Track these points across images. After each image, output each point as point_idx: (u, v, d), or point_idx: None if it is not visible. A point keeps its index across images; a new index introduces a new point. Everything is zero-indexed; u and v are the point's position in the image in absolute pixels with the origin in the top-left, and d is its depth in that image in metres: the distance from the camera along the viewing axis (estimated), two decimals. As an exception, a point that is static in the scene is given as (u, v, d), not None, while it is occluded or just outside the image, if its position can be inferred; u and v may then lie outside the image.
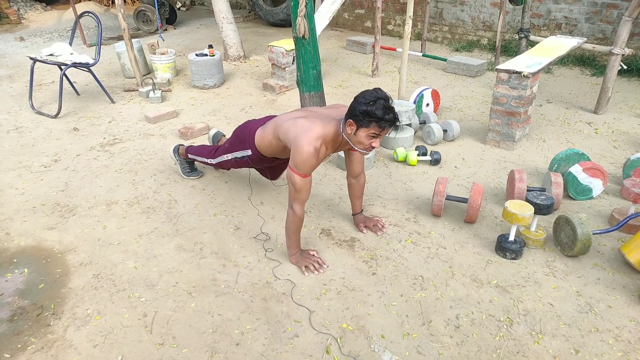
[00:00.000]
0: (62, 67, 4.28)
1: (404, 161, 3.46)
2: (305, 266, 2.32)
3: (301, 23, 3.38)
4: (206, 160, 2.92)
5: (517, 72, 3.38)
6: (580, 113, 4.24)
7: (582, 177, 2.85)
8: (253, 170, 3.19)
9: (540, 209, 2.41)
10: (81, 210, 2.87)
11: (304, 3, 3.32)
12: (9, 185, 3.15)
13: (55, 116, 4.24)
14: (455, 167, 3.39)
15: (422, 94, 4.10)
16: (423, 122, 3.98)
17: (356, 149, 2.17)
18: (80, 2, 9.79)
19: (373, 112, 2.00)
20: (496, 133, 3.63)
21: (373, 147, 2.12)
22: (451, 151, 3.62)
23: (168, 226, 2.73)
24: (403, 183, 3.18)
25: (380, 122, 2.02)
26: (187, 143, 3.78)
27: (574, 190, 2.88)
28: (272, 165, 2.76)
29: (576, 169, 2.85)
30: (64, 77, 4.28)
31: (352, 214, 2.72)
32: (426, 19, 6.08)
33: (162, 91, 4.80)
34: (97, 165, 3.43)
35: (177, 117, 4.31)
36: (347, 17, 7.91)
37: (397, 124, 2.09)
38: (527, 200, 2.45)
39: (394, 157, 3.49)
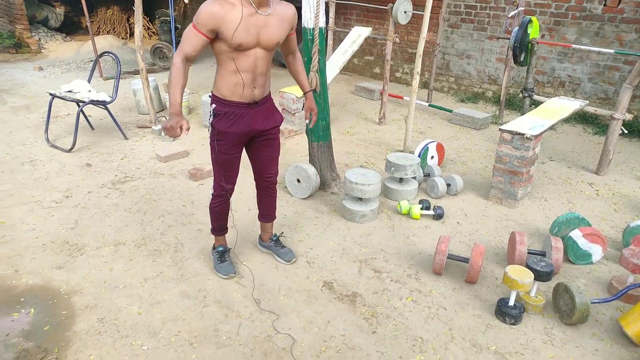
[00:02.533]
0: (80, 104, 4.42)
1: (407, 214, 3.53)
2: (166, 130, 2.18)
3: (313, 77, 3.50)
4: (211, 195, 2.70)
5: (520, 134, 3.49)
6: (582, 173, 4.32)
7: (582, 243, 2.90)
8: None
9: (540, 276, 2.46)
10: (89, 250, 2.93)
11: (317, 59, 3.46)
12: (21, 220, 3.22)
13: (69, 150, 4.35)
14: (458, 222, 3.45)
15: (427, 147, 4.20)
16: (427, 175, 4.07)
17: None
18: (99, 34, 10.14)
19: None
20: (499, 190, 3.71)
21: None
22: (454, 206, 3.69)
23: (173, 270, 2.78)
24: (406, 237, 3.23)
25: None
26: (196, 184, 3.87)
27: (574, 254, 2.93)
28: (238, 125, 2.44)
29: (576, 234, 2.91)
30: (80, 113, 4.42)
31: (304, 94, 2.74)
32: (433, 70, 6.27)
33: (174, 129, 4.92)
34: (108, 203, 3.51)
35: (187, 157, 4.42)
36: (356, 62, 8.14)
37: None
38: (527, 266, 2.50)
39: (397, 210, 3.56)
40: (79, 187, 3.74)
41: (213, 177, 2.62)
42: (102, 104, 4.51)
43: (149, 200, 3.59)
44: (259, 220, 2.95)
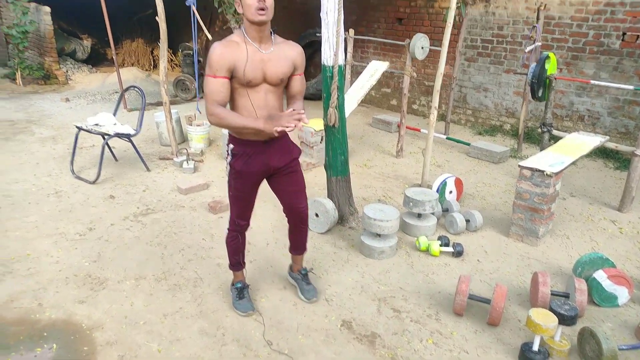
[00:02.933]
0: (105, 136, 4.55)
1: (426, 251, 3.50)
2: (279, 128, 2.17)
3: (332, 113, 3.57)
4: (226, 230, 2.74)
5: (540, 171, 3.47)
6: (604, 210, 4.26)
7: (607, 284, 2.84)
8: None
9: (564, 319, 2.40)
10: (111, 284, 2.97)
11: (336, 96, 3.53)
12: (45, 253, 3.29)
13: (94, 182, 4.46)
14: (478, 260, 3.41)
15: (446, 182, 4.20)
16: (446, 210, 4.06)
17: (252, 19, 2.20)
18: (124, 66, 10.48)
19: None
20: (519, 227, 3.67)
21: (261, 6, 2.18)
22: (474, 242, 3.66)
23: (193, 306, 2.79)
24: (425, 275, 3.21)
25: None
26: (215, 217, 3.91)
27: (599, 296, 2.86)
28: (255, 164, 2.47)
29: (600, 276, 2.85)
30: (105, 146, 4.54)
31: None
32: (450, 102, 6.31)
33: (195, 161, 5.02)
34: (130, 236, 3.57)
35: (207, 189, 4.48)
36: (373, 94, 8.24)
37: None
38: (551, 309, 2.45)
39: (416, 246, 3.54)
40: (102, 219, 3.81)
41: (230, 213, 2.67)
42: (127, 136, 4.63)
43: (169, 233, 3.64)
44: (290, 252, 2.97)
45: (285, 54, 2.38)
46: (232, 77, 2.28)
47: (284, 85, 2.45)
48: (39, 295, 2.83)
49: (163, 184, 4.56)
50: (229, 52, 2.23)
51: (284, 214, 2.80)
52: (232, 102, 2.40)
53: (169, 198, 4.26)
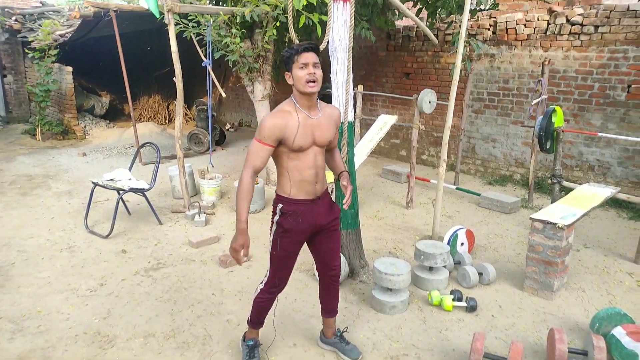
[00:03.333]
0: (120, 192, 4.65)
1: (439, 305, 3.44)
2: (231, 251, 2.36)
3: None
4: (258, 289, 2.69)
5: (552, 223, 3.45)
6: (620, 262, 4.17)
7: (627, 341, 2.74)
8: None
9: (584, 381, 2.32)
10: (120, 342, 2.95)
11: (346, 151, 3.61)
12: (56, 310, 3.29)
13: (107, 237, 4.52)
14: (493, 315, 3.34)
15: (457, 234, 4.18)
16: (458, 263, 4.01)
17: (304, 90, 2.35)
18: (140, 121, 10.83)
19: (287, 51, 2.37)
20: (533, 281, 3.61)
21: (312, 79, 2.33)
22: (487, 297, 3.59)
23: (201, 365, 2.74)
24: (438, 331, 3.14)
25: (297, 51, 2.33)
26: (226, 271, 3.91)
27: (619, 354, 2.76)
28: (304, 223, 2.52)
29: (619, 332, 2.77)
30: (119, 201, 4.64)
31: (338, 176, 2.71)
32: (459, 153, 6.38)
33: (207, 214, 5.08)
34: (140, 291, 3.57)
35: (218, 242, 4.50)
36: (383, 145, 8.36)
37: (313, 45, 2.37)
38: (569, 369, 2.37)
39: (428, 300, 3.48)
40: (114, 274, 3.83)
41: (269, 273, 2.65)
42: (141, 191, 4.73)
43: (179, 288, 3.63)
44: (322, 315, 2.92)
45: (330, 118, 2.54)
46: (280, 144, 2.40)
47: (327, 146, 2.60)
48: (47, 355, 2.81)
49: (175, 238, 4.60)
50: (281, 123, 2.35)
51: (318, 274, 2.84)
52: (280, 167, 2.50)
53: (180, 252, 4.28)
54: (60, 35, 8.44)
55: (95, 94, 10.96)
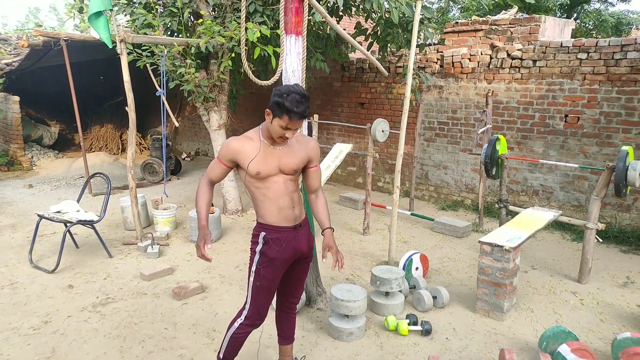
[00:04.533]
0: (67, 224, 4.47)
1: (395, 330, 3.47)
2: (197, 253, 2.41)
3: (297, 196, 3.67)
4: (237, 323, 2.57)
5: (499, 246, 3.59)
6: (565, 282, 4.37)
7: (572, 358, 2.86)
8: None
9: (533, 398, 2.39)
10: (64, 383, 2.79)
11: (300, 179, 3.64)
12: (-6, 351, 3.09)
13: (52, 271, 4.31)
14: (447, 338, 3.40)
15: (412, 258, 4.26)
16: (413, 287, 4.08)
17: (274, 138, 2.38)
18: (92, 151, 10.52)
19: (284, 104, 2.24)
20: (485, 303, 3.71)
21: (286, 138, 2.36)
22: (442, 320, 3.66)
23: (152, 403, 2.63)
24: (395, 356, 3.16)
25: (290, 114, 2.25)
26: (179, 304, 3.80)
27: (566, 371, 2.87)
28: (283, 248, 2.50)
29: (564, 350, 2.88)
30: (66, 234, 4.45)
31: (322, 231, 2.63)
32: (413, 180, 6.56)
33: (160, 245, 4.95)
34: (87, 328, 3.41)
35: (172, 274, 4.38)
36: (340, 172, 8.48)
37: (306, 116, 2.31)
38: (519, 387, 2.44)
39: (385, 326, 3.51)
40: (59, 310, 3.65)
41: (249, 307, 2.55)
42: (90, 223, 4.57)
43: (130, 323, 3.50)
44: (279, 343, 2.88)
45: (300, 148, 2.51)
46: (239, 168, 2.46)
47: (299, 174, 2.58)
48: (-18, 400, 2.63)
49: (125, 271, 4.44)
50: (237, 146, 2.42)
51: (275, 302, 2.80)
52: (254, 198, 2.48)
53: (131, 285, 4.14)
54: (7, 64, 8.18)
55: (44, 124, 10.57)
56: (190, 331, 3.41)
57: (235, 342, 2.60)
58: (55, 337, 3.29)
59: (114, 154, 10.77)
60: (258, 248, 2.48)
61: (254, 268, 2.50)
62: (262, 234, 2.47)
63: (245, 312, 2.56)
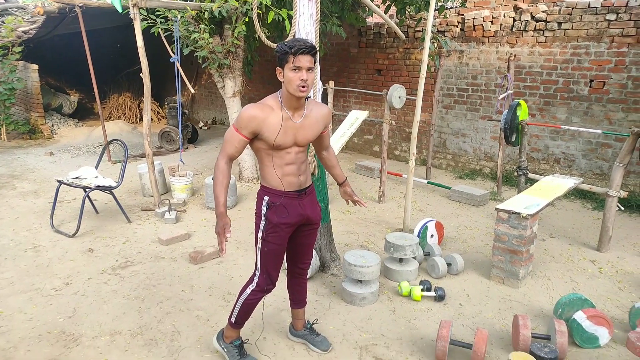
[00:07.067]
0: (86, 190, 4.55)
1: (408, 296, 3.48)
2: (217, 240, 2.37)
3: (311, 162, 3.64)
4: (249, 289, 2.59)
5: (516, 213, 3.53)
6: (584, 250, 4.30)
7: (587, 325, 2.83)
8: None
9: (545, 363, 2.38)
10: (85, 340, 2.89)
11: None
12: (19, 310, 3.20)
13: (73, 236, 4.41)
14: (460, 304, 3.40)
15: (426, 226, 4.24)
16: (427, 254, 4.07)
17: (294, 93, 2.28)
18: (110, 119, 10.62)
19: (283, 47, 2.25)
20: (500, 270, 3.68)
21: (304, 84, 2.25)
22: (455, 286, 3.65)
23: (169, 361, 2.71)
24: (407, 321, 3.17)
25: (293, 49, 2.22)
26: (196, 268, 3.87)
27: (580, 338, 2.85)
28: (292, 215, 2.49)
29: (580, 316, 2.85)
30: (86, 199, 4.54)
31: (338, 185, 2.89)
32: (430, 148, 6.46)
33: (177, 212, 5.02)
34: (107, 290, 3.50)
35: (189, 240, 4.45)
36: (356, 141, 8.41)
37: (309, 47, 2.24)
38: (531, 352, 2.44)
39: (398, 291, 3.52)
40: (80, 273, 3.75)
41: (259, 273, 2.56)
42: (108, 189, 4.64)
43: (148, 285, 3.58)
44: (292, 307, 2.91)
45: (317, 117, 2.47)
46: (257, 138, 2.35)
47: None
48: (9, 355, 2.74)
49: (144, 236, 4.53)
50: (260, 116, 2.30)
51: (287, 268, 2.81)
52: (261, 162, 2.46)
53: (149, 250, 4.22)
54: (24, 32, 8.20)
55: (64, 93, 10.69)
56: (207, 294, 3.47)
57: (247, 308, 2.62)
58: (76, 297, 3.39)
59: (132, 122, 10.85)
60: (263, 212, 2.47)
61: (260, 234, 2.49)
62: (266, 198, 2.45)
63: (256, 279, 2.58)
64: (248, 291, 2.59)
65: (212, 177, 2.38)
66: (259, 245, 2.51)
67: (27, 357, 2.72)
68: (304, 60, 2.23)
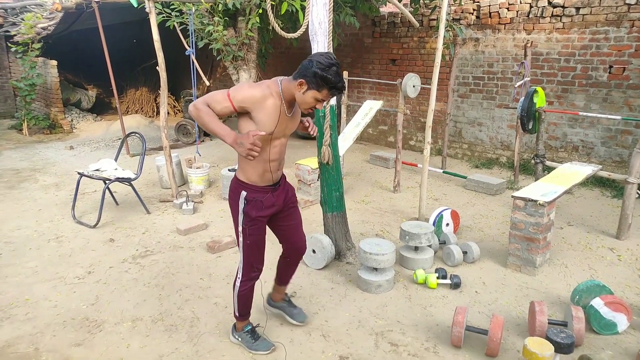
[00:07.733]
0: (106, 181, 4.64)
1: (424, 283, 3.49)
2: (247, 154, 2.18)
3: (326, 151, 3.66)
4: (238, 282, 2.64)
5: (532, 200, 3.51)
6: (602, 238, 4.25)
7: (605, 312, 2.82)
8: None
9: (561, 348, 2.38)
10: (108, 326, 2.97)
11: (329, 134, 3.63)
12: (44, 297, 3.30)
13: (94, 226, 4.52)
14: (476, 292, 3.40)
15: (442, 214, 4.23)
16: (443, 243, 4.07)
17: (302, 110, 2.30)
18: (127, 114, 10.76)
19: (327, 78, 2.16)
20: (517, 258, 3.67)
21: (314, 109, 2.27)
22: (471, 274, 3.65)
23: (188, 347, 2.78)
24: (423, 308, 3.19)
25: (332, 89, 2.19)
26: (214, 257, 3.94)
27: (598, 324, 2.83)
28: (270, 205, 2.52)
29: (597, 303, 2.83)
30: (106, 190, 4.64)
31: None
32: (446, 137, 6.43)
33: (195, 203, 5.09)
34: (128, 278, 3.59)
35: (206, 230, 4.52)
36: (371, 132, 8.40)
37: (344, 87, 2.23)
38: (548, 338, 2.43)
39: (413, 279, 3.53)
40: (101, 262, 3.85)
41: (242, 264, 2.61)
42: (127, 181, 4.73)
43: (167, 274, 3.66)
44: (276, 283, 2.97)
45: (298, 112, 2.49)
46: (245, 116, 2.30)
47: None
48: (35, 340, 2.83)
49: (163, 226, 4.61)
50: (258, 99, 2.23)
51: (283, 251, 2.84)
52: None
53: (168, 239, 4.30)
54: (43, 29, 8.34)
55: (82, 88, 10.86)
56: (224, 282, 3.54)
57: (244, 299, 2.68)
58: (98, 285, 3.48)
59: (150, 116, 10.98)
60: (241, 208, 2.47)
61: (240, 229, 2.51)
62: (244, 193, 2.46)
63: (240, 271, 2.63)
64: (238, 283, 2.65)
65: (196, 120, 2.24)
66: (241, 239, 2.54)
67: (52, 342, 2.81)
68: (333, 98, 2.24)
